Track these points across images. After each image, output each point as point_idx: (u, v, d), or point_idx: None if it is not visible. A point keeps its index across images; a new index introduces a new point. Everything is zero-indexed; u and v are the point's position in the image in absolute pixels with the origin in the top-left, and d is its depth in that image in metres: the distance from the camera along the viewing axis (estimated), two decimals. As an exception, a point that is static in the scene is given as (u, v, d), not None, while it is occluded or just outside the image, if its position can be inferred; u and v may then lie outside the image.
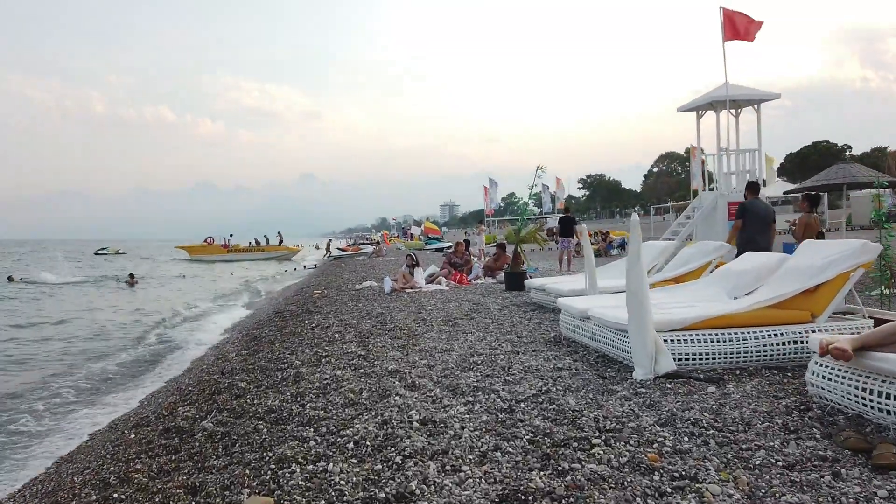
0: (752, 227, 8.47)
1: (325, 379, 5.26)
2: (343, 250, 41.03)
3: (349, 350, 6.48)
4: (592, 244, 28.50)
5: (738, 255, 8.38)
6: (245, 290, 22.31)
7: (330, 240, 59.40)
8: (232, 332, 11.54)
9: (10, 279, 28.91)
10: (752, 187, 8.99)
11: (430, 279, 13.10)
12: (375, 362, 5.71)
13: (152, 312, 16.22)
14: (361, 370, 5.47)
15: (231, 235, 48.33)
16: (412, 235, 50.89)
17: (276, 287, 22.77)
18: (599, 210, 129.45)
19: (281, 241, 47.64)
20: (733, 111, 15.78)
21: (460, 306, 9.29)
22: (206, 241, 47.99)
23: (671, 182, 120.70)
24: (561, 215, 19.64)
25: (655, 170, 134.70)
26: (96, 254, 65.73)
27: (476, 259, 15.08)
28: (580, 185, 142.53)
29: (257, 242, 47.34)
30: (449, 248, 37.98)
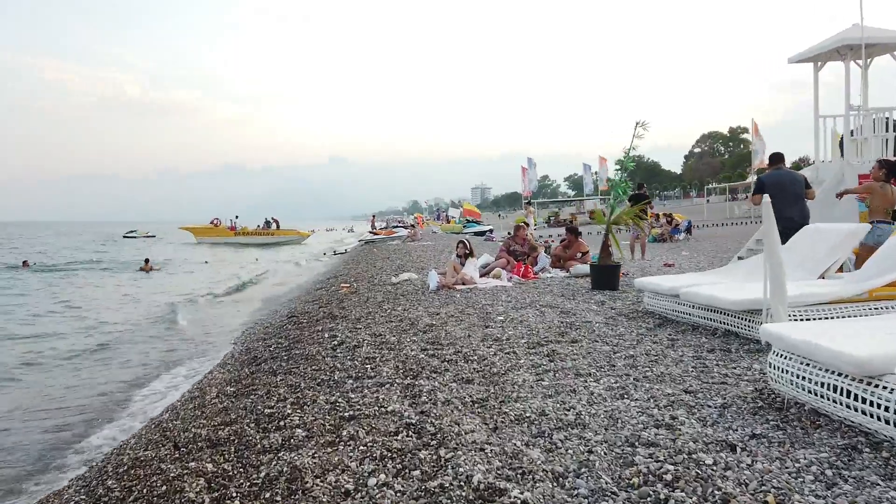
0: (778, 200, 7.08)
1: (344, 496, 2.60)
2: (375, 234, 38.51)
3: (389, 406, 3.79)
4: (654, 228, 25.34)
5: (782, 232, 7.16)
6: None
7: (374, 216, 56.77)
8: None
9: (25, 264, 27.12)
10: (773, 158, 8.20)
11: (484, 271, 10.37)
12: (440, 450, 3.01)
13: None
14: (415, 473, 2.78)
15: (237, 217, 45.80)
16: (448, 218, 48.02)
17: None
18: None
19: (278, 227, 44.96)
20: (860, 61, 12.57)
21: (543, 316, 6.52)
22: (212, 222, 45.54)
23: (714, 163, 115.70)
24: (634, 193, 16.64)
25: (697, 150, 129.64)
26: (125, 237, 64.59)
27: (542, 246, 12.24)
28: (617, 167, 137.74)
29: (268, 224, 44.77)
30: (490, 231, 35.27)
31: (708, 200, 63.70)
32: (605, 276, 8.25)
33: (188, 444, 3.75)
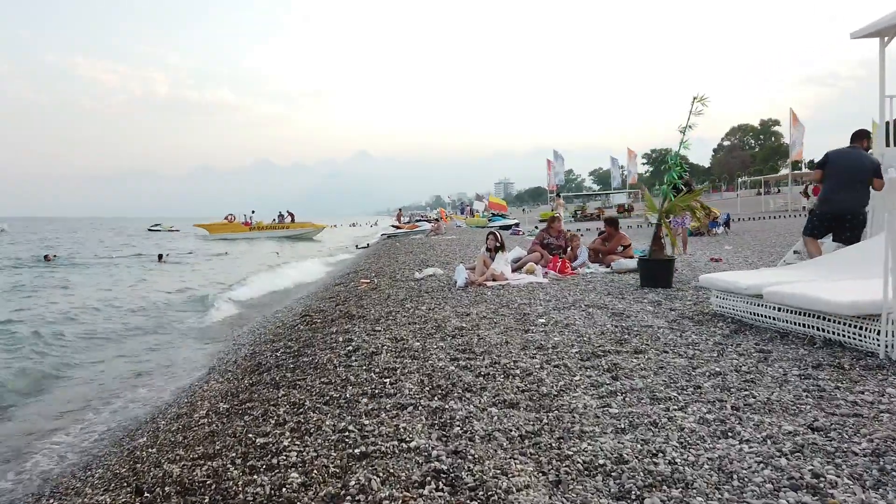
0: (831, 181, 6.82)
1: None
2: (398, 227, 37.70)
3: (412, 441, 2.93)
4: (691, 222, 24.01)
5: (817, 215, 6.88)
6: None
7: (399, 210, 55.91)
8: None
9: (46, 258, 26.84)
10: (854, 135, 7.19)
11: (515, 266, 9.45)
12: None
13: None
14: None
15: (253, 212, 45.49)
16: (473, 212, 46.96)
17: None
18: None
19: (293, 220, 44.34)
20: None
21: (592, 318, 5.59)
22: (226, 218, 45.27)
23: (744, 156, 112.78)
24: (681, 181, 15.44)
25: (726, 143, 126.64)
26: (149, 230, 64.80)
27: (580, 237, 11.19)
28: (644, 161, 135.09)
29: (282, 217, 44.23)
30: (517, 225, 34.14)
31: (738, 194, 61.73)
32: (658, 271, 7.28)
33: (155, 487, 2.91)
